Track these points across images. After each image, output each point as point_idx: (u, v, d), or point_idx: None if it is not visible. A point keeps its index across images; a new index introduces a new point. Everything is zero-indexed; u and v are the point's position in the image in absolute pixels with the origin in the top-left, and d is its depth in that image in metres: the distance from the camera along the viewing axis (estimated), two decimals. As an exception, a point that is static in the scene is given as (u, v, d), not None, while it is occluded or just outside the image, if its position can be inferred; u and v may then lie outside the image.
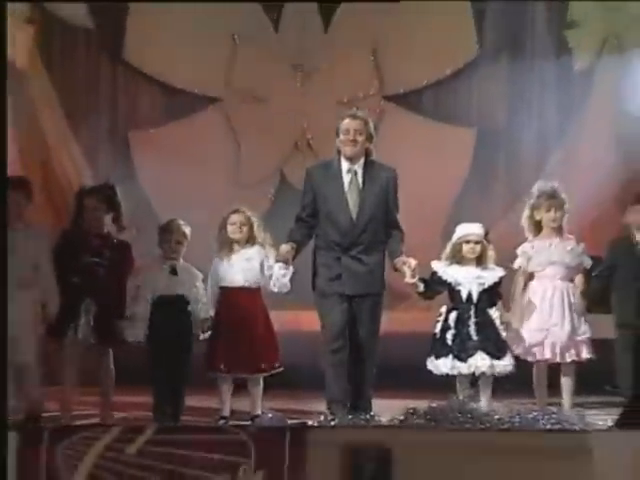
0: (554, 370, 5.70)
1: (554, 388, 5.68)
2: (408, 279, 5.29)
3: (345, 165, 5.36)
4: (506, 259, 5.73)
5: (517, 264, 5.72)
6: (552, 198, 5.69)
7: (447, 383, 5.50)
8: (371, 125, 5.38)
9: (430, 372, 5.54)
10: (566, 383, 5.68)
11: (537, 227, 5.73)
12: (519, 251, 5.72)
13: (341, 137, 5.34)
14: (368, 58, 7.91)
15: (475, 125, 7.90)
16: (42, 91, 7.78)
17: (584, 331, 5.64)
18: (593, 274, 5.76)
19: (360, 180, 5.34)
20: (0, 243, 4.71)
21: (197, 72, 7.91)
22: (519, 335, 5.61)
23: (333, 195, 5.34)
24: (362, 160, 5.36)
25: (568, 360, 5.62)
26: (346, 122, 5.33)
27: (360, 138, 5.32)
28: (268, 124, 7.87)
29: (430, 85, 7.94)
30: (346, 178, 5.35)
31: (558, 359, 5.61)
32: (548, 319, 5.60)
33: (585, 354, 5.63)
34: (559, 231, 5.71)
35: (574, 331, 5.61)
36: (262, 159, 7.88)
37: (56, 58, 7.84)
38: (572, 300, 5.66)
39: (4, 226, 4.73)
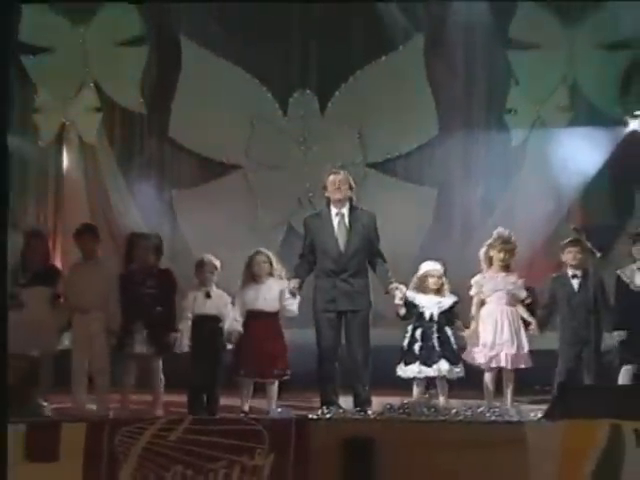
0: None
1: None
2: (397, 301, 5.35)
3: (334, 210, 5.45)
4: (461, 287, 5.77)
5: (472, 292, 5.74)
6: (506, 243, 5.70)
7: (407, 385, 5.54)
8: (350, 178, 5.48)
9: (395, 377, 5.54)
10: (508, 385, 5.69)
11: (490, 261, 5.74)
12: (473, 281, 5.75)
13: (329, 188, 5.44)
14: (355, 135, 7.99)
15: (436, 185, 7.96)
16: (107, 161, 7.83)
17: (525, 346, 5.65)
18: (541, 305, 5.74)
19: (346, 221, 5.43)
20: (0, 246, 4.56)
21: (224, 146, 7.97)
22: (482, 348, 5.61)
23: (326, 234, 5.40)
24: (347, 205, 5.44)
25: (516, 368, 5.61)
26: (331, 177, 5.46)
27: (344, 187, 5.43)
28: (278, 185, 7.93)
29: (402, 155, 8.00)
30: (335, 220, 5.43)
31: (509, 367, 5.60)
32: (501, 335, 5.60)
33: (528, 363, 5.66)
34: (506, 268, 5.72)
35: (520, 346, 5.62)
36: (274, 212, 7.93)
37: (117, 136, 7.91)
38: (516, 321, 5.65)
39: (4, 229, 4.58)
